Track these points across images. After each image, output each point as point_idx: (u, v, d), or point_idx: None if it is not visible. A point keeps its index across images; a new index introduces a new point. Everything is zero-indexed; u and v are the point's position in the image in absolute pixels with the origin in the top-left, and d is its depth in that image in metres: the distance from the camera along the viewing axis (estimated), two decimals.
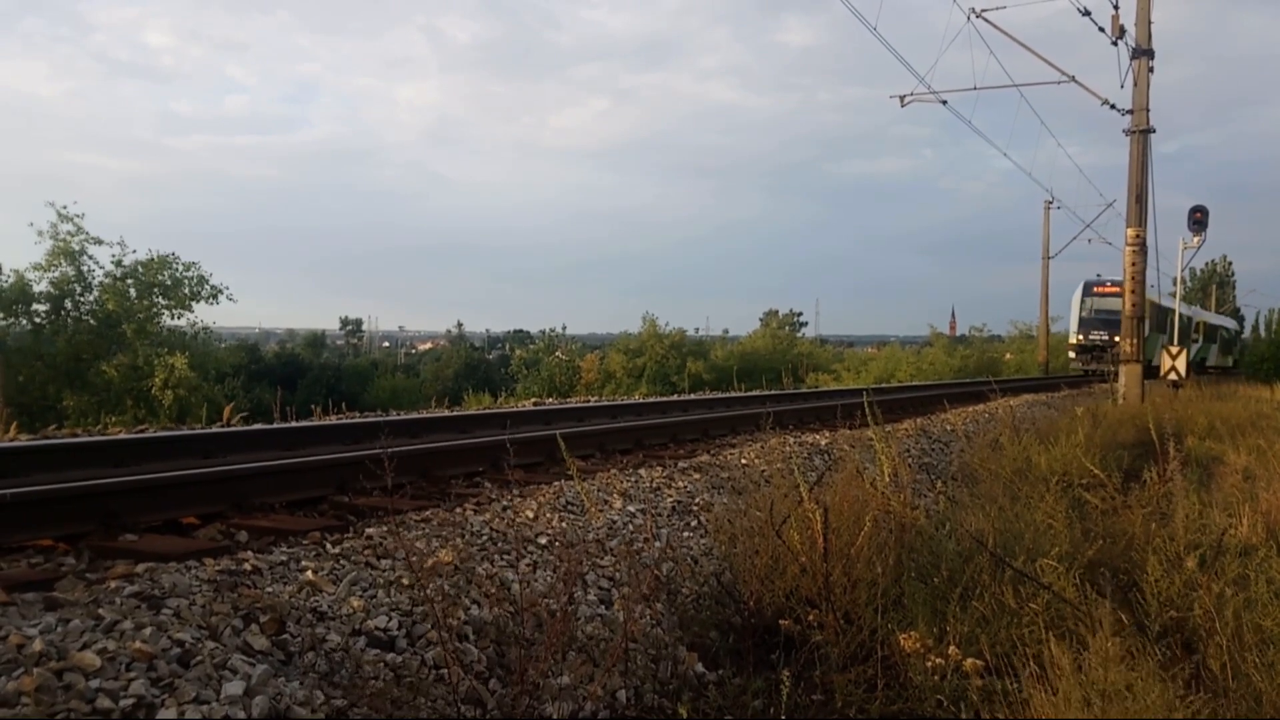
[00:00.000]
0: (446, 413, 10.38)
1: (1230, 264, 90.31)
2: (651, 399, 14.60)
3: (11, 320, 26.52)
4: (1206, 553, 4.74)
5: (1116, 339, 31.40)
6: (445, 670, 3.32)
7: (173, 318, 28.24)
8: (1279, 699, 3.50)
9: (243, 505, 4.92)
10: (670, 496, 6.23)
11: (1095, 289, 36.91)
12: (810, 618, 4.12)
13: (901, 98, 20.97)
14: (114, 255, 27.30)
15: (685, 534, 5.66)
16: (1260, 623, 3.98)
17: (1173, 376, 22.54)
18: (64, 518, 4.22)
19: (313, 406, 10.30)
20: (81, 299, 27.07)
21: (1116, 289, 32.88)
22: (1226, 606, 4.04)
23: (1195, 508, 5.46)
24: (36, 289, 26.48)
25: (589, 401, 13.37)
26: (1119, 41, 17.94)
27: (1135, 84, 18.17)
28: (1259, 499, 6.21)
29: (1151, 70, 18.20)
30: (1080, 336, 37.05)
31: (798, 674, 3.81)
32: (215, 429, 7.93)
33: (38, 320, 26.66)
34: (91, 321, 26.79)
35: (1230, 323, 63.34)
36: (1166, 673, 3.32)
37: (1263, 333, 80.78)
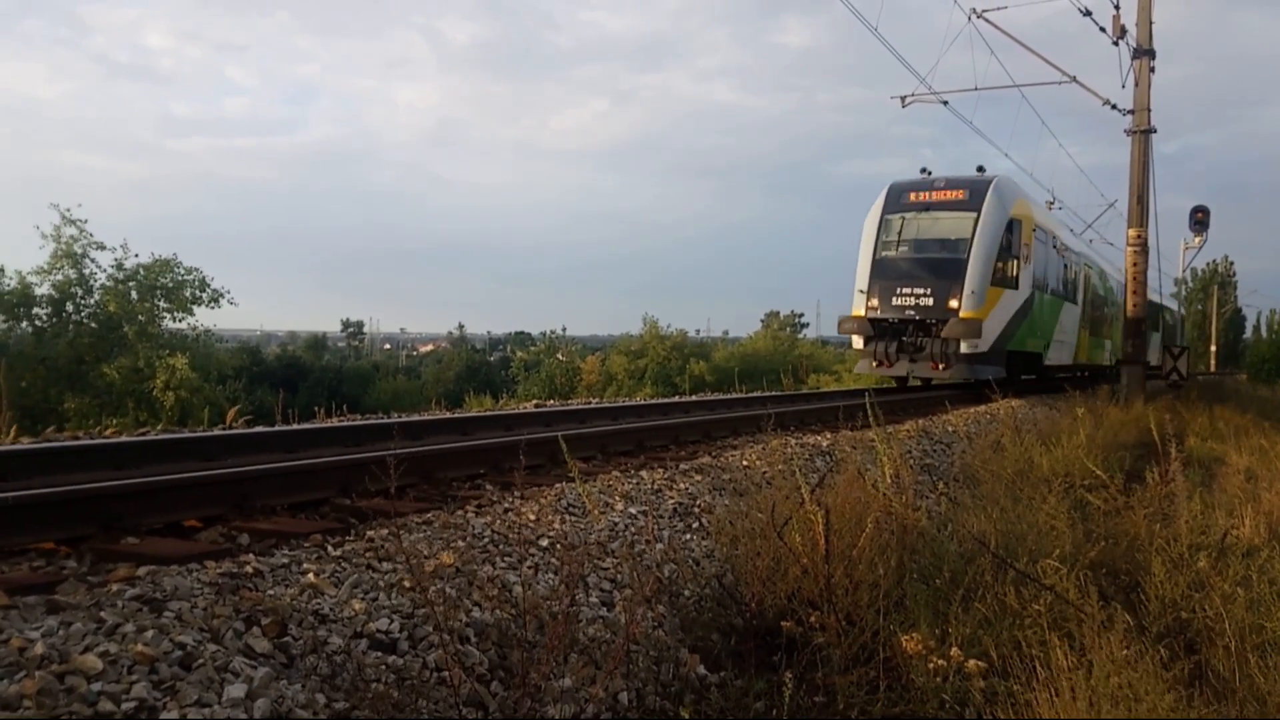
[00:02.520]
0: (448, 415, 10.38)
1: (1231, 264, 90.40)
2: (653, 401, 14.61)
3: (13, 323, 26.58)
4: (1209, 554, 4.73)
5: (954, 304, 16.57)
6: (447, 672, 3.32)
7: (174, 321, 28.34)
8: None
9: (244, 508, 4.91)
10: (672, 498, 6.23)
11: (910, 194, 18.49)
12: (812, 619, 4.12)
13: (902, 98, 20.95)
14: (116, 258, 27.40)
15: (687, 536, 5.65)
16: (1264, 624, 3.98)
17: (1173, 378, 22.47)
18: (65, 521, 4.21)
19: (315, 409, 10.29)
20: (83, 302, 27.14)
21: (956, 195, 17.85)
22: (1233, 607, 4.03)
23: (1197, 508, 5.45)
24: (38, 292, 26.57)
25: (590, 403, 13.37)
26: (1120, 42, 17.95)
27: (1136, 84, 18.18)
28: (1261, 499, 6.20)
29: (1153, 70, 18.21)
30: (873, 301, 17.75)
31: (799, 676, 3.80)
32: (217, 431, 7.93)
33: (39, 323, 26.73)
34: (93, 324, 26.85)
35: (1171, 304, 44.43)
36: (1168, 673, 3.31)
37: (1264, 333, 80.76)
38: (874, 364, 17.61)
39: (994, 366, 17.37)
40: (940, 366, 16.99)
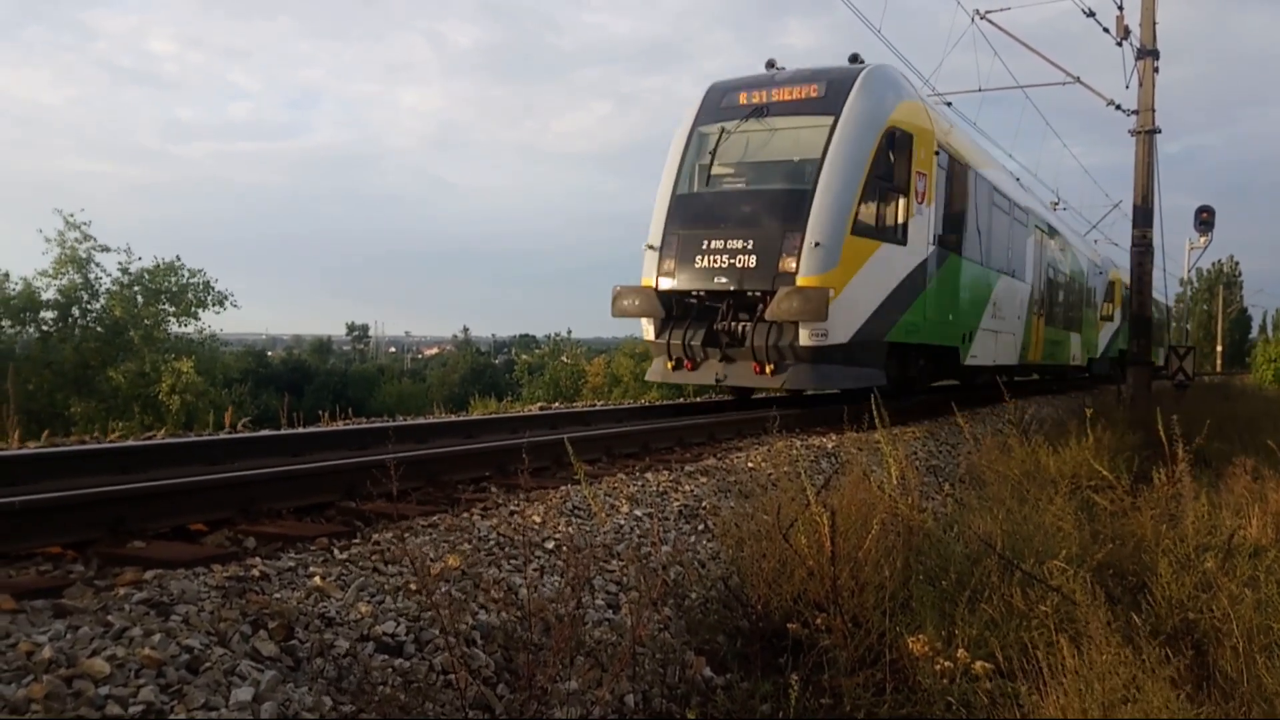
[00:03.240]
0: (453, 418, 10.39)
1: (1237, 264, 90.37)
2: (658, 403, 14.59)
3: (19, 328, 26.69)
4: (1216, 554, 4.73)
5: (789, 264, 10.40)
6: (453, 675, 3.32)
7: (179, 325, 28.44)
8: None
9: (250, 511, 4.92)
10: (677, 500, 6.23)
11: (739, 95, 11.79)
12: (818, 621, 4.12)
13: None
14: (120, 262, 27.52)
15: (692, 538, 5.65)
16: (1271, 625, 3.97)
17: (1179, 378, 22.37)
18: (72, 525, 4.22)
19: (320, 412, 10.30)
20: (89, 306, 27.24)
21: (805, 91, 11.52)
22: (1240, 607, 4.03)
23: (1204, 509, 5.44)
24: (44, 296, 26.68)
25: (595, 406, 13.38)
26: (1124, 42, 17.91)
27: (1140, 85, 18.13)
28: (1268, 499, 6.18)
29: (1157, 71, 18.16)
30: (669, 263, 11.18)
31: (806, 678, 3.80)
32: (222, 435, 7.95)
33: (45, 328, 26.83)
34: (99, 329, 26.95)
35: (1160, 298, 33.17)
36: (1171, 671, 3.31)
37: (1269, 333, 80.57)
38: (669, 365, 11.17)
39: (860, 368, 11.05)
40: (767, 369, 10.58)
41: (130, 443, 6.95)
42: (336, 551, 4.28)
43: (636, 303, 11.23)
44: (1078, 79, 19.31)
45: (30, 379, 25.04)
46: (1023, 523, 5.29)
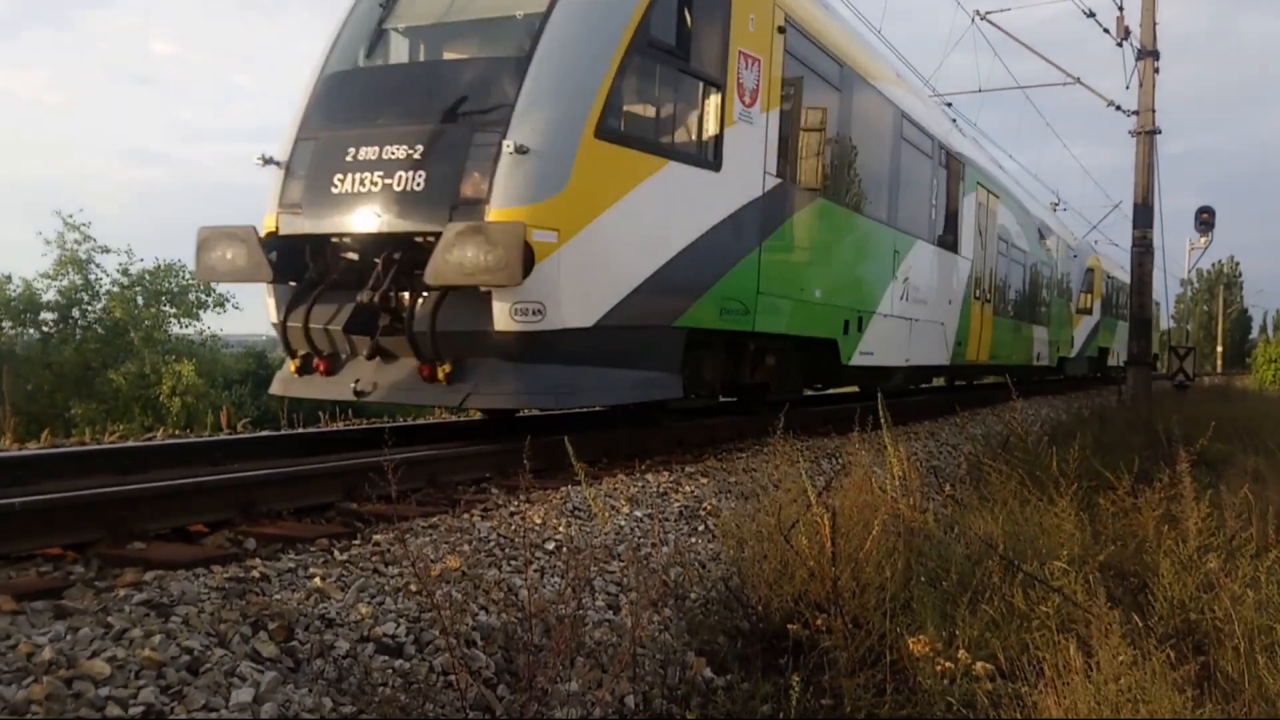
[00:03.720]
0: (453, 419, 10.39)
1: (1238, 264, 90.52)
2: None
3: (20, 329, 26.74)
4: (1218, 555, 4.73)
5: (478, 185, 5.92)
6: (453, 676, 3.32)
7: (180, 326, 28.49)
8: None
9: (250, 512, 4.91)
10: (678, 501, 6.22)
11: None
12: (819, 622, 4.11)
13: None
14: (121, 264, 27.56)
15: (693, 539, 5.65)
16: (1272, 625, 3.97)
17: (1179, 379, 22.36)
18: (72, 526, 4.21)
19: (319, 413, 10.30)
20: (89, 307, 27.28)
21: None
22: (1242, 608, 4.03)
23: (1205, 510, 5.44)
24: (44, 298, 26.72)
25: (595, 407, 13.36)
26: (1124, 42, 17.91)
27: (1141, 85, 18.13)
28: (1270, 501, 6.18)
29: (1157, 71, 18.17)
30: (294, 190, 6.40)
31: (806, 679, 3.79)
32: (222, 436, 7.95)
33: (46, 329, 26.88)
34: (99, 330, 26.99)
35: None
36: (1175, 672, 3.31)
37: (1270, 333, 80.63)
38: (292, 369, 6.86)
39: (626, 372, 6.96)
40: (440, 372, 6.22)
41: (130, 444, 6.95)
42: (337, 553, 4.27)
43: (229, 256, 6.51)
44: (1078, 79, 19.32)
45: (30, 380, 25.07)
46: (1024, 523, 5.29)
